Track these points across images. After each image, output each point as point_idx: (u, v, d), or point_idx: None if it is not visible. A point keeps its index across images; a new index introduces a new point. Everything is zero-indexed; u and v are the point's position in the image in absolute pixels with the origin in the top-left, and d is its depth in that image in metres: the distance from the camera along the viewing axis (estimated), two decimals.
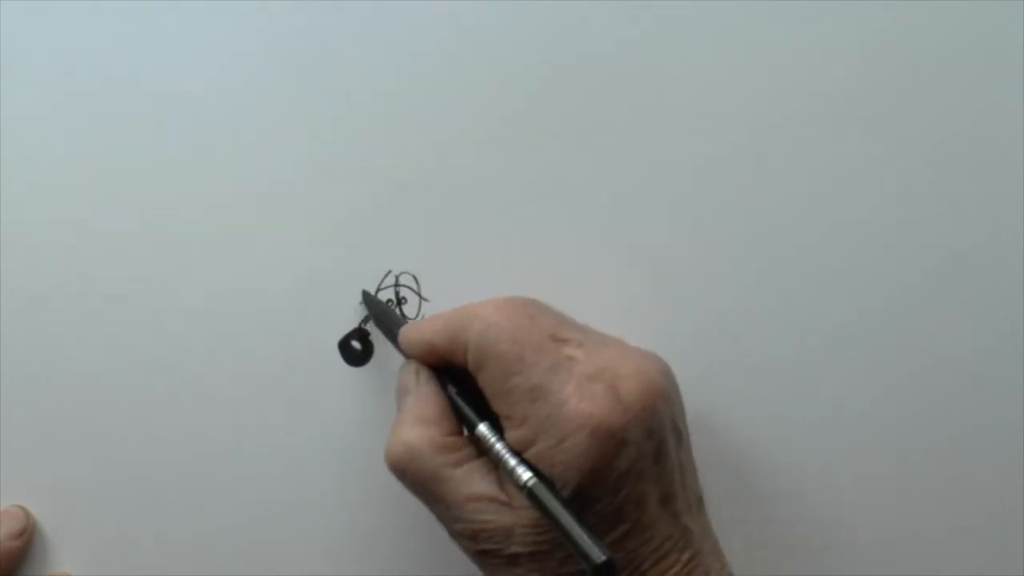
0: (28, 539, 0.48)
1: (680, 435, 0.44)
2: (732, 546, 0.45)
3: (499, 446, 0.42)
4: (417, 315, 0.49)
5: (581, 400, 0.41)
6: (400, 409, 0.45)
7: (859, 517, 0.50)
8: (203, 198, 0.49)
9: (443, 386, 0.44)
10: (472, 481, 0.42)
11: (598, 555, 0.38)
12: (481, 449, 0.43)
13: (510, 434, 0.42)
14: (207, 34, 0.48)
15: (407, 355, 0.46)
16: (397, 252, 0.49)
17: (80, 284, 0.48)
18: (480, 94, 0.49)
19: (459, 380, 0.44)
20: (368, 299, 0.48)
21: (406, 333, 0.46)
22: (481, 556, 0.43)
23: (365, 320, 0.49)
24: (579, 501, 0.40)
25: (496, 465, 0.42)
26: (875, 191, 0.49)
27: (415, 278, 0.49)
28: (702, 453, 0.46)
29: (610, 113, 0.49)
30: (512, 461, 0.41)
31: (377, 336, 0.49)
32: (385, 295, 0.49)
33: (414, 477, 0.43)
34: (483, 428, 0.43)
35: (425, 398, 0.44)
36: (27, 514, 0.49)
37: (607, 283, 0.48)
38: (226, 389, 0.49)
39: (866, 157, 0.49)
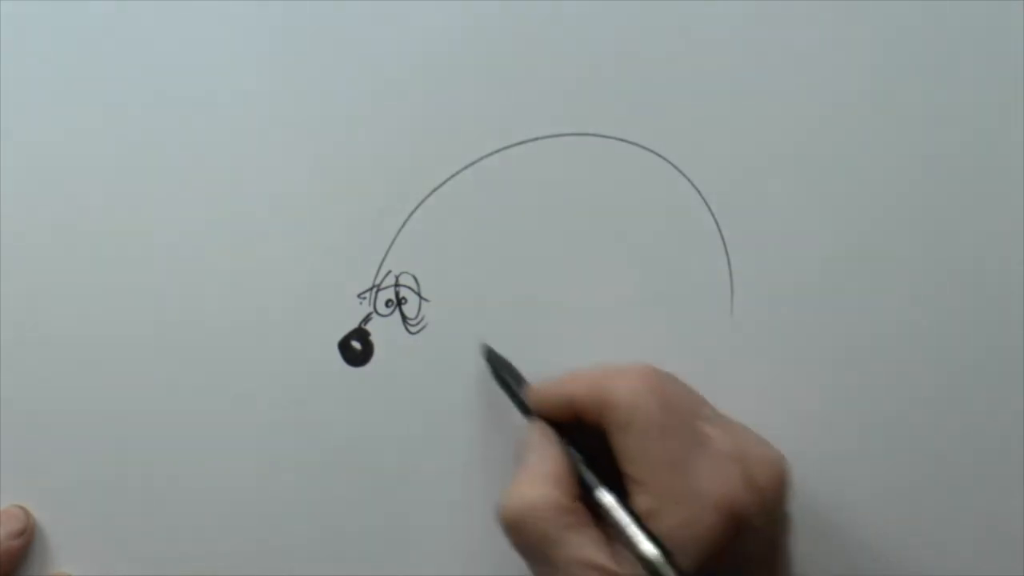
0: (28, 539, 0.48)
1: (789, 522, 0.44)
2: None
3: (623, 514, 0.42)
4: (417, 315, 0.49)
5: (716, 478, 0.41)
6: (520, 465, 0.44)
7: (861, 516, 0.50)
8: (203, 198, 0.48)
9: (567, 448, 0.44)
10: (586, 546, 0.41)
11: None
12: (597, 515, 0.43)
13: (638, 499, 0.42)
14: (209, 36, 0.48)
15: (529, 411, 0.46)
16: (397, 252, 0.49)
17: (80, 284, 0.48)
18: (481, 94, 0.49)
19: (577, 444, 0.44)
20: (490, 354, 0.48)
21: (540, 389, 0.46)
22: None
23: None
24: None
25: (615, 533, 0.42)
26: (878, 188, 0.49)
27: (415, 278, 0.49)
28: None
29: (612, 113, 0.49)
30: (637, 531, 0.41)
31: (377, 336, 0.49)
32: (385, 295, 0.49)
33: (529, 536, 0.42)
34: (608, 495, 0.42)
35: (551, 458, 0.44)
36: (27, 514, 0.49)
37: (608, 281, 0.48)
38: (226, 389, 0.49)
39: (869, 156, 0.49)
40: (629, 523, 0.41)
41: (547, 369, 0.47)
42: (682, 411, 0.43)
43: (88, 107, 0.48)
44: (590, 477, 0.43)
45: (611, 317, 0.47)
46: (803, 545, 0.49)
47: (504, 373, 0.48)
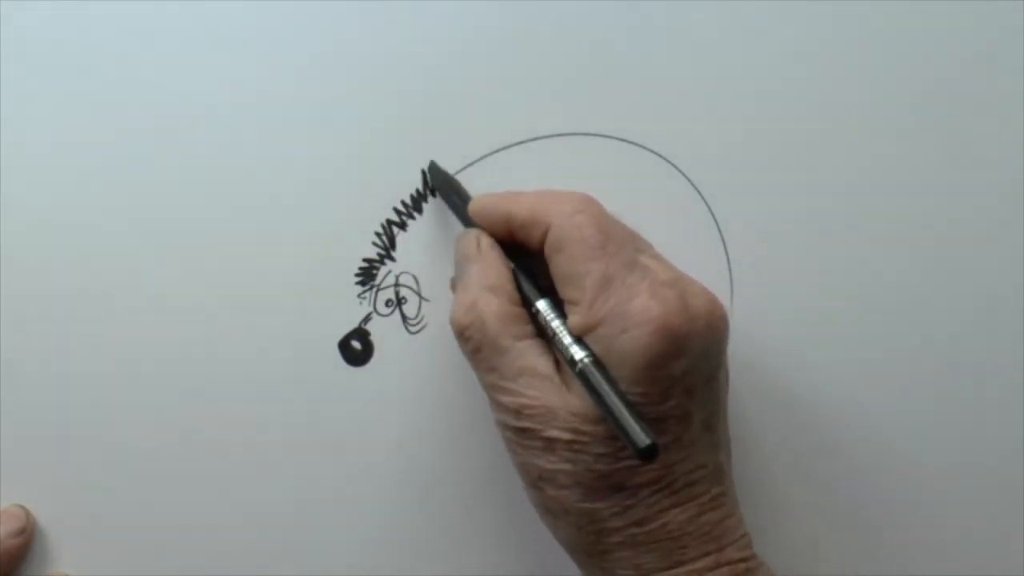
0: (28, 539, 0.48)
1: (727, 376, 0.44)
2: None
3: (558, 323, 0.42)
4: (417, 315, 0.49)
5: (651, 298, 0.41)
6: (463, 275, 0.45)
7: (860, 514, 0.50)
8: (203, 198, 0.49)
9: (507, 260, 0.45)
10: (529, 356, 0.42)
11: (643, 438, 0.38)
12: (539, 328, 0.43)
13: (573, 317, 0.42)
14: (211, 36, 0.48)
15: (468, 224, 0.46)
16: (397, 252, 0.49)
17: (80, 284, 0.48)
18: (481, 94, 0.49)
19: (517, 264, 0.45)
20: (434, 169, 0.48)
21: (482, 200, 0.46)
22: (519, 434, 0.42)
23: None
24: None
25: (554, 344, 0.43)
26: (878, 188, 0.49)
27: (415, 278, 0.49)
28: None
29: (612, 113, 0.49)
30: (569, 339, 0.42)
31: (377, 336, 0.49)
32: (385, 295, 0.49)
33: (477, 343, 0.43)
34: (545, 304, 0.43)
35: (491, 266, 0.44)
36: (27, 514, 0.49)
37: None
38: (226, 389, 0.49)
39: (868, 155, 0.49)
40: (563, 331, 0.42)
41: None
42: (619, 238, 0.43)
43: (89, 106, 0.48)
44: (529, 289, 0.44)
45: None
46: (804, 543, 0.49)
47: (449, 189, 0.48)
